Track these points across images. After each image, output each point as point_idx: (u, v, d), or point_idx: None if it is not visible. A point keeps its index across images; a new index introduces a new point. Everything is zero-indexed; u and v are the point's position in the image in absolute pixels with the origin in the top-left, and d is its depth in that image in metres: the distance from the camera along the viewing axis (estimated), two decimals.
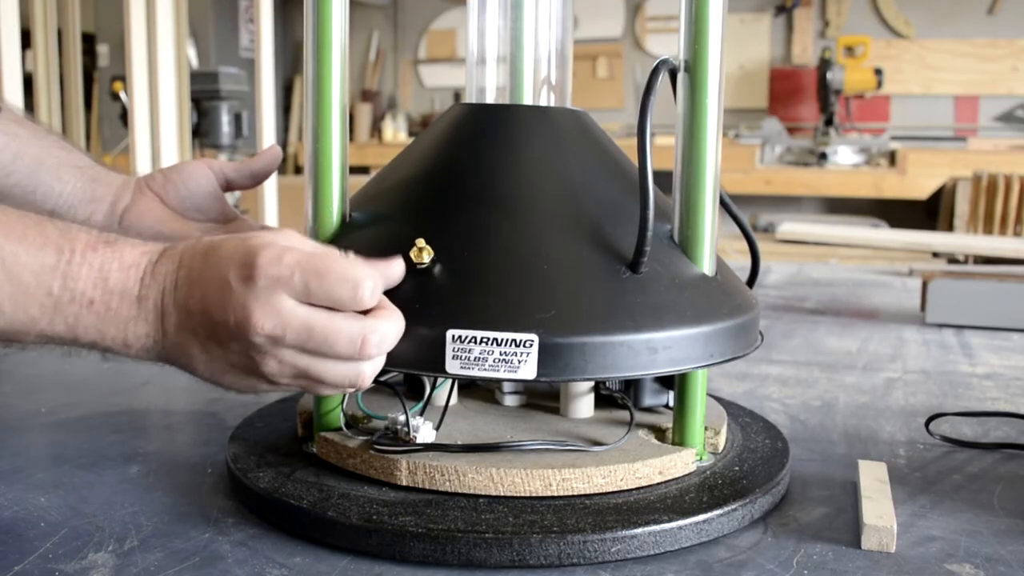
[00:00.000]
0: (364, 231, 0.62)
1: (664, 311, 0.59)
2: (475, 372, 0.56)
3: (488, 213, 0.61)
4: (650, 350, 0.57)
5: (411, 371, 0.58)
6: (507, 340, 0.55)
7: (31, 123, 0.80)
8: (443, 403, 0.67)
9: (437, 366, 0.56)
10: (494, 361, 0.56)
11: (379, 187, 0.67)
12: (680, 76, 0.62)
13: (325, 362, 0.54)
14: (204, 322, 0.53)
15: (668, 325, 0.58)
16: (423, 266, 0.58)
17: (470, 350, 0.56)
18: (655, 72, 0.61)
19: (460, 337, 0.56)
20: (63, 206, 0.78)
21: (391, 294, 0.57)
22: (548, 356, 0.56)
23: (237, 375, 0.56)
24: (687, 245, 0.63)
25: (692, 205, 0.62)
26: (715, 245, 0.63)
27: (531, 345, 0.55)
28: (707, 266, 0.63)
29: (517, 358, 0.55)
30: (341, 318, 0.53)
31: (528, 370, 0.56)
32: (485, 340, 0.56)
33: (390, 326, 0.54)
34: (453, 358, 0.56)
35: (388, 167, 0.70)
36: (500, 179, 0.63)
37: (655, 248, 0.60)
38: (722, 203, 0.66)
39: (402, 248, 0.58)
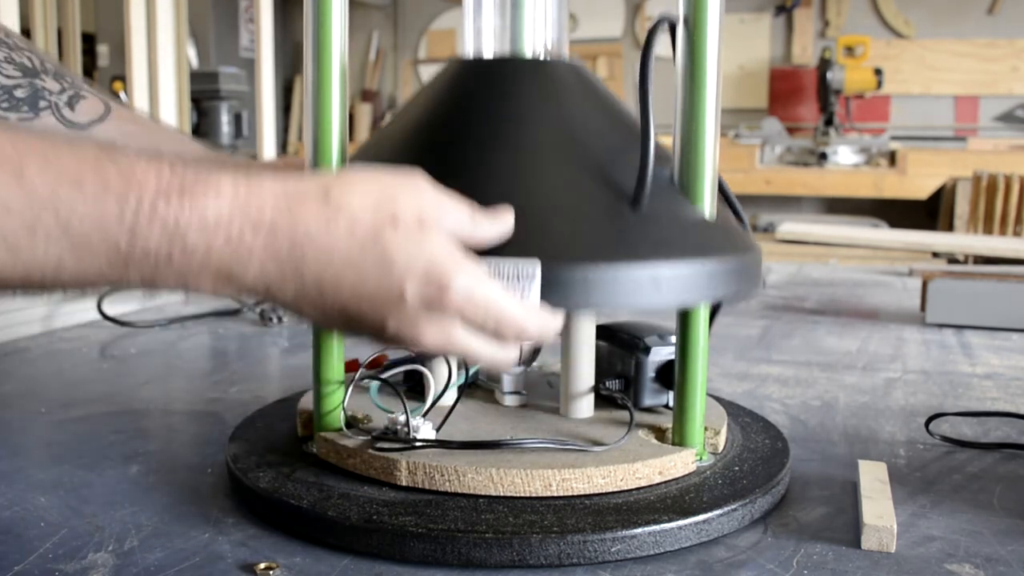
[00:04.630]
0: None
1: (667, 245, 0.59)
2: None
3: (489, 153, 0.61)
4: (653, 282, 0.57)
5: None
6: (509, 269, 0.55)
7: (140, 117, 0.80)
8: (446, 404, 0.67)
9: None
10: None
11: (378, 138, 0.67)
12: (680, 29, 0.62)
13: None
14: (344, 310, 0.50)
15: (672, 258, 0.58)
16: None
17: None
18: (656, 25, 0.62)
19: None
20: None
21: None
22: (551, 286, 0.55)
23: (353, 333, 0.53)
24: (688, 188, 0.62)
25: (692, 149, 0.62)
26: (715, 189, 0.63)
27: (533, 274, 0.55)
28: (708, 209, 0.63)
29: (520, 289, 0.55)
30: (492, 347, 0.54)
31: (531, 301, 0.55)
32: (488, 271, 0.55)
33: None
34: None
35: (388, 122, 0.69)
36: (501, 122, 0.63)
37: (656, 191, 0.60)
38: (720, 190, 0.66)
39: None
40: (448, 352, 0.53)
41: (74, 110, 0.76)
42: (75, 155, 0.45)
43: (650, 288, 0.57)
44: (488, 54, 0.68)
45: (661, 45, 0.61)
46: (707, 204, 0.62)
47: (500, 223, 0.55)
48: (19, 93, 0.74)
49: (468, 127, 0.63)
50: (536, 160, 0.61)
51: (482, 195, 0.58)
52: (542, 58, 0.67)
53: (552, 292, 0.55)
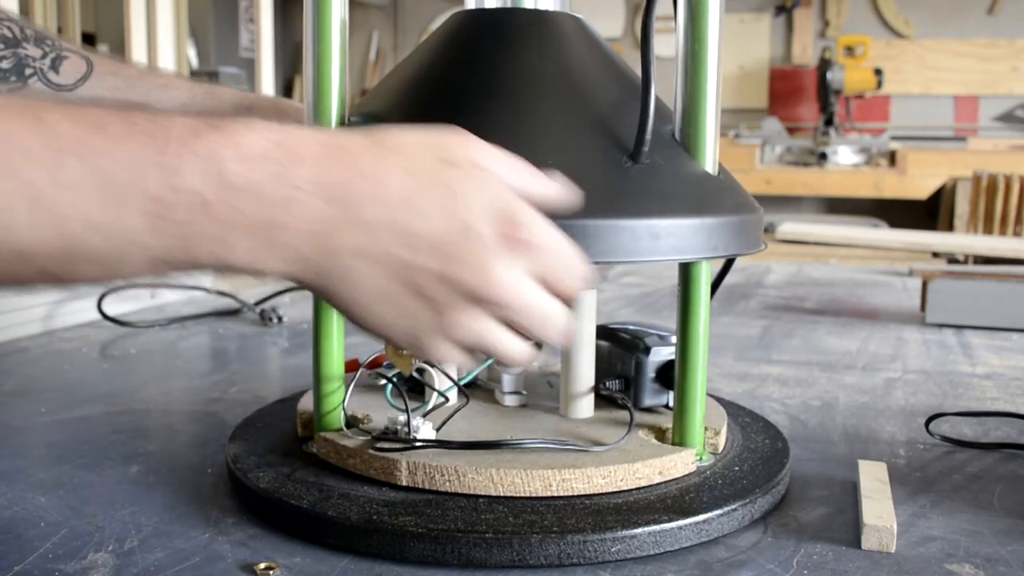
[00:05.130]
0: None
1: (667, 199, 0.58)
2: None
3: (489, 104, 0.61)
4: (653, 236, 0.57)
5: None
6: None
7: (123, 67, 0.80)
8: (447, 404, 0.67)
9: None
10: None
11: (378, 91, 0.67)
12: None
13: (512, 339, 0.49)
14: (404, 260, 0.45)
15: (671, 212, 0.58)
16: None
17: None
18: None
19: None
20: None
21: None
22: None
23: (407, 319, 0.47)
24: (689, 143, 0.62)
25: (693, 103, 0.61)
26: (717, 145, 0.63)
27: None
28: (709, 164, 0.62)
29: None
30: (554, 304, 0.49)
31: None
32: None
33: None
34: None
35: (388, 74, 0.69)
36: (501, 74, 0.62)
37: (657, 145, 0.60)
38: None
39: None
40: (515, 300, 0.47)
41: (58, 72, 0.76)
42: (95, 106, 0.42)
43: (648, 241, 0.57)
44: (489, 5, 0.67)
45: (662, 46, 0.61)
46: (709, 160, 0.62)
47: (550, 183, 0.50)
48: (4, 64, 0.74)
49: (468, 78, 0.63)
50: (536, 111, 0.61)
51: None
52: (542, 9, 0.66)
53: None
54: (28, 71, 0.75)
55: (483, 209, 0.45)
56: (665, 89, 0.58)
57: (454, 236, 0.45)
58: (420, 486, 0.59)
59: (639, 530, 0.55)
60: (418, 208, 0.44)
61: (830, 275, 1.86)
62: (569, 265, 0.49)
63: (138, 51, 2.13)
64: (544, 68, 0.63)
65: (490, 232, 0.45)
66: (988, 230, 3.60)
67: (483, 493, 0.58)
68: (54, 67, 0.76)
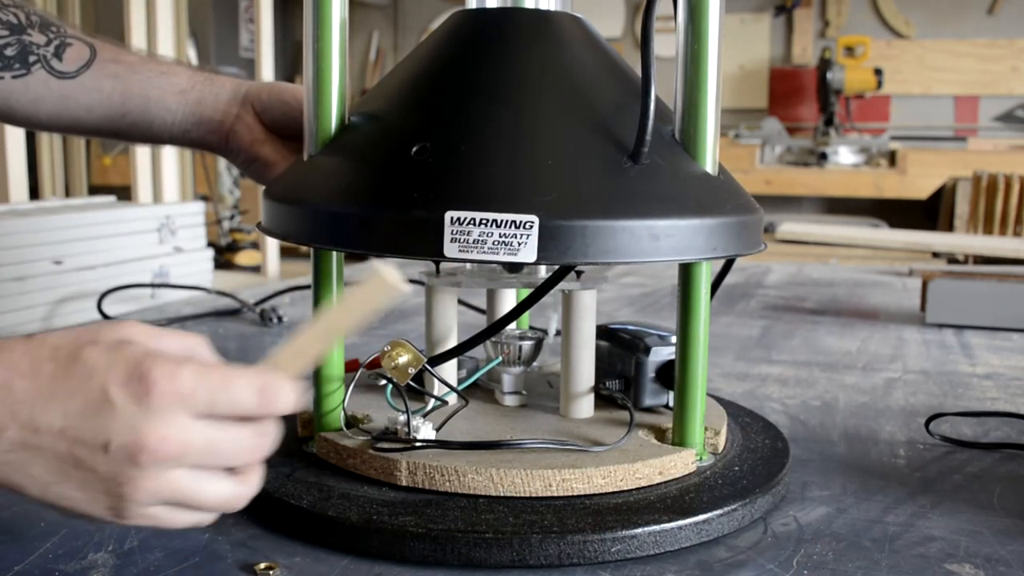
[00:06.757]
0: (364, 135, 0.62)
1: (667, 200, 0.58)
2: (474, 255, 0.55)
3: (489, 105, 0.61)
4: (652, 236, 0.57)
5: (409, 257, 0.57)
6: (507, 221, 0.54)
7: (124, 54, 0.81)
8: (446, 405, 0.67)
9: (436, 250, 0.55)
10: (493, 243, 0.55)
11: (378, 91, 0.67)
12: None
13: (212, 481, 0.47)
14: (61, 441, 0.44)
15: (671, 213, 0.58)
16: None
17: (469, 232, 0.55)
18: None
19: (459, 219, 0.55)
20: (178, 135, 0.81)
21: (390, 182, 0.58)
22: (549, 238, 0.55)
23: (87, 497, 0.45)
24: (689, 143, 0.62)
25: (693, 103, 0.61)
26: (717, 145, 0.63)
27: (531, 227, 0.54)
28: (709, 165, 0.62)
29: (517, 240, 0.54)
30: (241, 430, 0.48)
31: (528, 252, 0.55)
32: (484, 222, 0.55)
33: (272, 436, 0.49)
34: (452, 241, 0.55)
35: (388, 74, 0.69)
36: (501, 74, 0.62)
37: (657, 145, 0.60)
38: None
39: (400, 144, 0.59)
40: (188, 448, 0.45)
41: (62, 60, 0.77)
42: None
43: (648, 242, 0.57)
44: (489, 5, 0.67)
45: (662, 46, 0.61)
46: (709, 161, 0.62)
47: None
48: (9, 52, 0.75)
49: (468, 78, 0.62)
50: (536, 111, 0.60)
51: (481, 147, 0.58)
52: (543, 8, 0.66)
53: (549, 244, 0.55)
54: (32, 58, 0.76)
55: (115, 375, 0.44)
56: (665, 89, 0.58)
57: (97, 406, 0.44)
58: (420, 486, 0.59)
59: (639, 530, 0.55)
60: (64, 388, 0.44)
61: (830, 275, 1.86)
62: (240, 388, 0.47)
63: None
64: (544, 68, 0.63)
65: (125, 395, 0.44)
66: (988, 230, 3.59)
67: (483, 493, 0.58)
68: (57, 54, 0.76)
